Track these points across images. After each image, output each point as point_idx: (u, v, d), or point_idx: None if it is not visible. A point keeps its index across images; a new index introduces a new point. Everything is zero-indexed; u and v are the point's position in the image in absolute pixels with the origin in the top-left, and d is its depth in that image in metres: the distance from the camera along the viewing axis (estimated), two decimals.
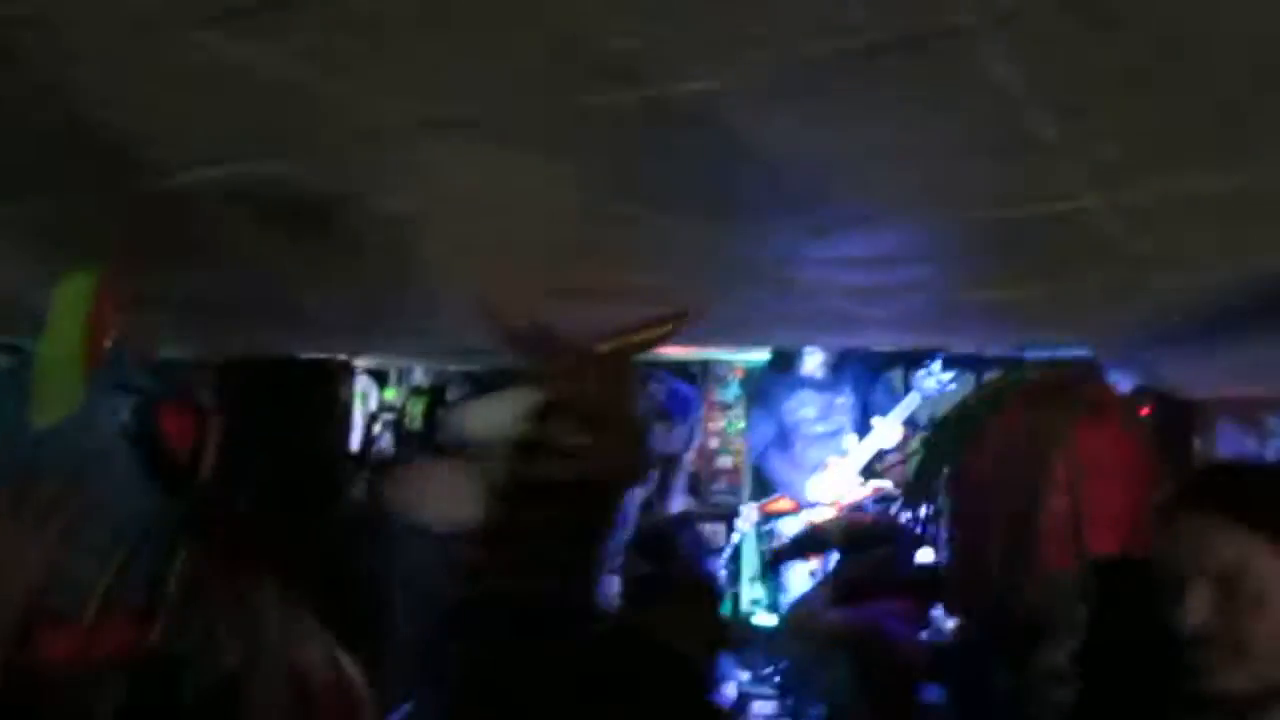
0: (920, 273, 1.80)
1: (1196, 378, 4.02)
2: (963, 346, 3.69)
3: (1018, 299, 2.04)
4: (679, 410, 3.15)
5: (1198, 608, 1.07)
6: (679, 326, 1.55)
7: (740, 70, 0.88)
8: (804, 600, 2.34)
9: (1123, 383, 4.38)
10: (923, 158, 1.09)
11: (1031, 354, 2.77)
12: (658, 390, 3.17)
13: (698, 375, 6.17)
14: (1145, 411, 4.60)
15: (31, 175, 1.27)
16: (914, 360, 4.17)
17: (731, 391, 5.65)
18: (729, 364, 5.53)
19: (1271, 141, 1.08)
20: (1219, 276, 1.76)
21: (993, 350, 3.27)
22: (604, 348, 1.37)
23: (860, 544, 2.36)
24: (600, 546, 1.14)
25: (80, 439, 1.65)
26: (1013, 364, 2.92)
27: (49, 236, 1.61)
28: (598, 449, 1.08)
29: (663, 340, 1.49)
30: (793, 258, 1.68)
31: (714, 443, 5.86)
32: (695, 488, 5.79)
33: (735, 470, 5.60)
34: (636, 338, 1.65)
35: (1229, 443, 5.08)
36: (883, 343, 3.61)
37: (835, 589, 2.26)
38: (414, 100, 0.99)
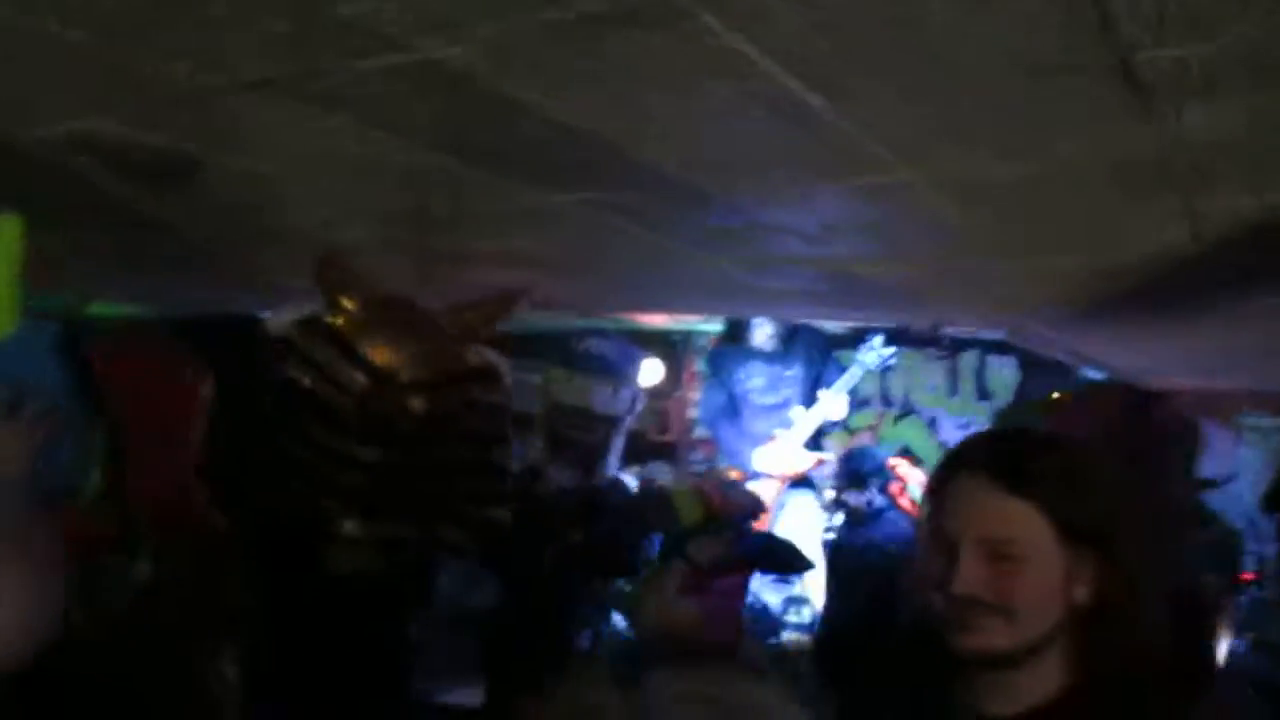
0: (797, 248, 1.85)
1: (1148, 368, 4.05)
2: (882, 322, 3.73)
3: (899, 275, 2.09)
4: (625, 371, 3.17)
5: (969, 570, 1.13)
6: (513, 304, 1.63)
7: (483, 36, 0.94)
8: (654, 582, 2.38)
9: (1095, 375, 4.43)
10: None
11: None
12: (605, 349, 3.20)
13: (679, 344, 6.22)
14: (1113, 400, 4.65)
15: None
16: (859, 335, 4.21)
17: (704, 362, 5.67)
18: (708, 334, 5.56)
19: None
20: (1082, 258, 1.80)
21: (916, 327, 3.31)
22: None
23: (715, 524, 2.41)
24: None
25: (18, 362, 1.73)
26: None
27: None
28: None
29: (500, 314, 1.57)
30: (657, 227, 1.73)
31: (691, 413, 5.92)
32: (673, 456, 5.85)
33: (711, 441, 5.64)
34: (474, 310, 1.73)
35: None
36: (794, 315, 3.65)
37: (686, 573, 2.30)
38: (203, 63, 1.05)
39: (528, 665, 2.53)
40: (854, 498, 3.66)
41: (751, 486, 4.36)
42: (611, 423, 3.10)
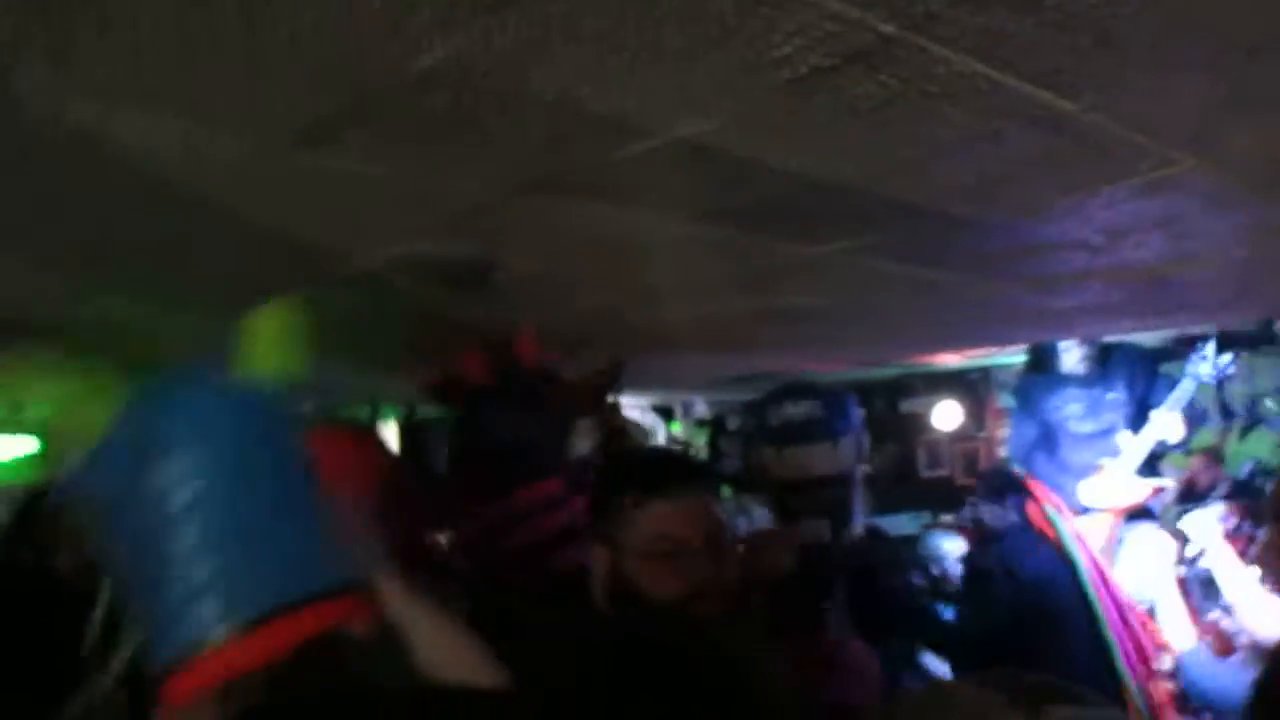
0: (1082, 261, 1.75)
1: None
2: (1203, 327, 3.37)
3: (1210, 272, 1.91)
4: (839, 427, 3.05)
5: None
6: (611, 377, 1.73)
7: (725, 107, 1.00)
8: None
9: None
10: None
11: None
12: (804, 409, 3.10)
13: (978, 382, 5.96)
14: None
15: None
16: (1187, 346, 3.81)
17: (1009, 396, 5.40)
18: (1009, 368, 5.30)
19: None
20: None
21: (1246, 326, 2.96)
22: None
23: None
24: None
25: None
26: None
27: None
28: None
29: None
30: (922, 262, 1.71)
31: (1001, 451, 5.64)
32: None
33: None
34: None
35: None
36: (1097, 333, 3.39)
37: None
38: (483, 177, 1.19)
39: None
40: (989, 514, 3.51)
41: (1082, 522, 4.04)
42: (842, 482, 2.98)
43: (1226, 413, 4.44)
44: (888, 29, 0.88)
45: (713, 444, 6.20)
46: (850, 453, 2.95)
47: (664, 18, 0.87)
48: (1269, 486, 4.18)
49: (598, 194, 1.27)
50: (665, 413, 6.30)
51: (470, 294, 1.72)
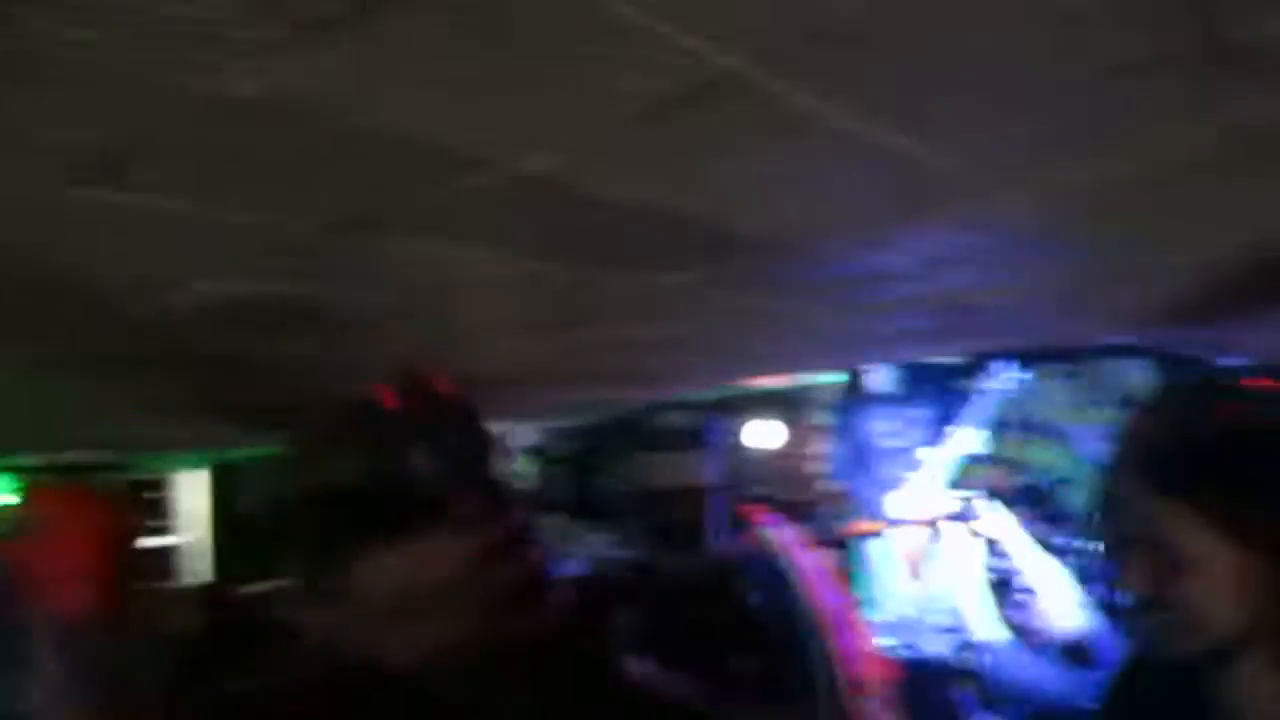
0: (907, 290, 1.81)
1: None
2: (1012, 347, 3.61)
3: (1019, 298, 2.02)
4: (710, 439, 3.09)
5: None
6: None
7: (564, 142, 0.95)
8: None
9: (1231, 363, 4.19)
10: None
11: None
12: (688, 421, 3.15)
13: (798, 403, 6.14)
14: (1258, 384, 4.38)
15: None
16: (984, 365, 4.07)
17: (826, 414, 5.59)
18: (825, 387, 5.49)
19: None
20: (1207, 247, 1.71)
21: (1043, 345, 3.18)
22: None
23: None
24: None
25: None
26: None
27: None
28: None
29: None
30: (757, 293, 1.72)
31: (818, 468, 5.82)
32: (809, 516, 5.74)
33: (842, 494, 5.54)
34: None
35: None
36: (920, 355, 3.57)
37: None
38: (297, 212, 1.09)
39: None
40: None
41: (892, 533, 4.24)
42: (707, 493, 3.02)
43: (1024, 425, 4.78)
44: (735, 63, 0.86)
45: (544, 472, 6.14)
46: (715, 466, 2.97)
47: (508, 48, 0.82)
48: (1062, 493, 4.53)
49: (429, 230, 1.20)
50: None
51: (284, 334, 1.60)
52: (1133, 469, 1.27)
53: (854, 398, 4.48)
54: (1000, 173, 1.19)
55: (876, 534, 4.36)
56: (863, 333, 2.17)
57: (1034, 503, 4.38)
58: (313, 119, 0.89)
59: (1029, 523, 3.63)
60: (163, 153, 0.93)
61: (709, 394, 5.24)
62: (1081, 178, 1.21)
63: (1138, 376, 4.55)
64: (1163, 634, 1.20)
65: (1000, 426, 4.67)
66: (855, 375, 4.43)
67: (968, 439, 4.09)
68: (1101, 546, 3.57)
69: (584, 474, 5.76)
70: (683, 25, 0.79)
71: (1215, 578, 1.09)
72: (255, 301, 1.42)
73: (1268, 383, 3.78)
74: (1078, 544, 4.02)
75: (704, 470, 2.90)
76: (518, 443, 6.17)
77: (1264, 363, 4.21)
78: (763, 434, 6.01)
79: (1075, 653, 3.27)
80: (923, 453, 4.18)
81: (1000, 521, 3.73)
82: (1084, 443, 4.60)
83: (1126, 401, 4.61)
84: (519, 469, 6.07)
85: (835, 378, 4.94)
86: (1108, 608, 3.28)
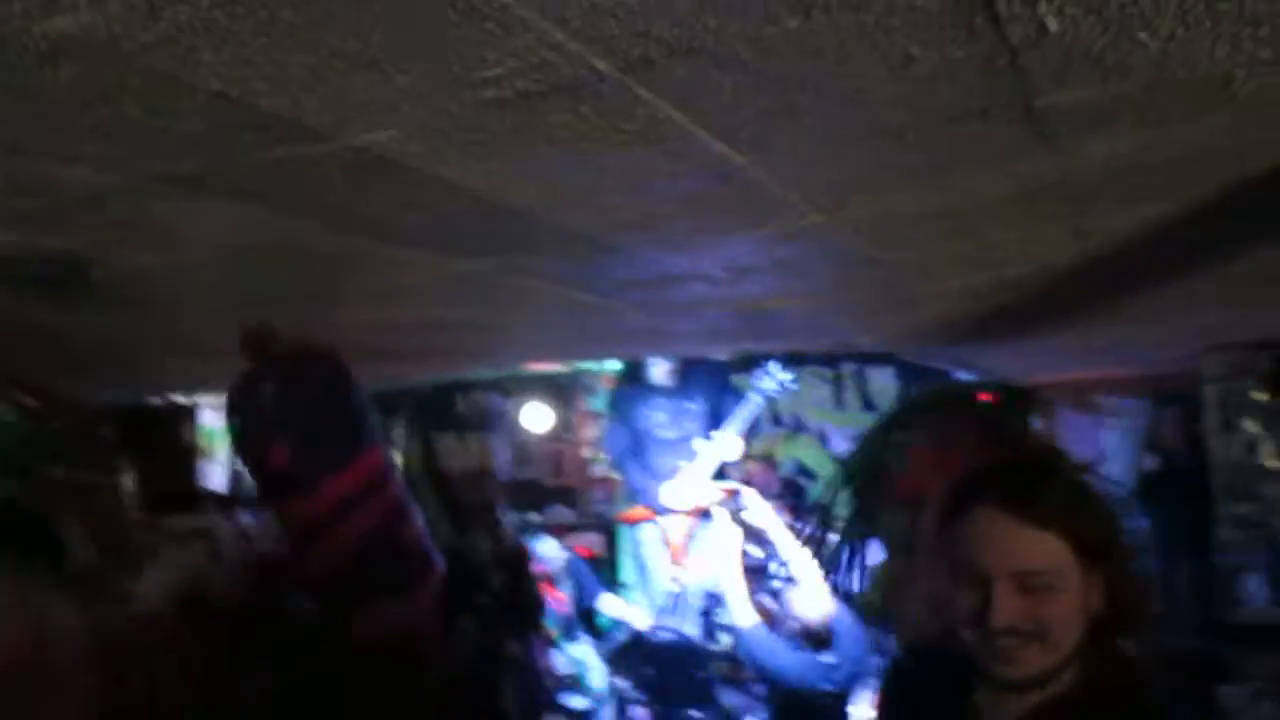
0: (704, 291, 1.88)
1: (1020, 366, 4.28)
2: (784, 348, 3.83)
3: (805, 307, 2.14)
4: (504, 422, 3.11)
5: (1006, 604, 1.16)
6: None
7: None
8: None
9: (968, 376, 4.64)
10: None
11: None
12: (489, 402, 3.15)
13: (568, 387, 6.17)
14: (988, 398, 4.89)
15: None
16: (754, 363, 4.29)
17: (601, 401, 5.65)
18: (597, 373, 5.54)
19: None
20: (978, 277, 1.89)
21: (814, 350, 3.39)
22: None
23: None
24: None
25: None
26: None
27: None
28: None
29: None
30: (568, 283, 1.73)
31: (587, 453, 5.88)
32: (572, 499, 5.79)
33: (609, 480, 5.61)
34: None
35: (1069, 425, 5.44)
36: (702, 352, 3.71)
37: None
38: (105, 164, 1.00)
39: None
40: None
41: (661, 521, 4.39)
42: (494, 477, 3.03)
43: (777, 421, 5.09)
44: (602, 66, 0.88)
45: None
46: (503, 449, 2.94)
47: (375, 23, 0.79)
48: (810, 486, 4.86)
49: (251, 196, 1.13)
50: None
51: (57, 294, 1.45)
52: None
53: (630, 387, 4.58)
54: (817, 198, 1.27)
55: (646, 521, 4.48)
56: (660, 329, 2.24)
57: (790, 496, 4.68)
58: (141, 66, 0.83)
59: (785, 514, 3.86)
60: None
61: (487, 374, 5.20)
62: (885, 210, 1.31)
63: (886, 382, 4.97)
64: (908, 630, 1.28)
65: (764, 423, 4.95)
66: (632, 365, 4.53)
67: (736, 433, 4.29)
68: (845, 540, 3.87)
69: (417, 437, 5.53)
70: (565, 26, 0.80)
71: (1068, 596, 1.18)
72: (27, 257, 1.29)
73: (990, 397, 4.22)
74: (826, 536, 4.33)
75: (495, 453, 2.89)
76: None
77: (989, 378, 4.71)
78: (536, 418, 6.02)
79: (817, 639, 3.51)
80: (695, 444, 4.34)
81: (762, 512, 3.94)
82: (837, 442, 4.96)
83: (874, 405, 5.03)
84: None
85: (611, 365, 5.04)
86: (848, 598, 3.53)
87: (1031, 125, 1.03)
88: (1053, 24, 0.82)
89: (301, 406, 1.80)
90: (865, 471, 3.73)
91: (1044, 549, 1.15)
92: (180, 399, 4.36)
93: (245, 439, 1.86)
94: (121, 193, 1.11)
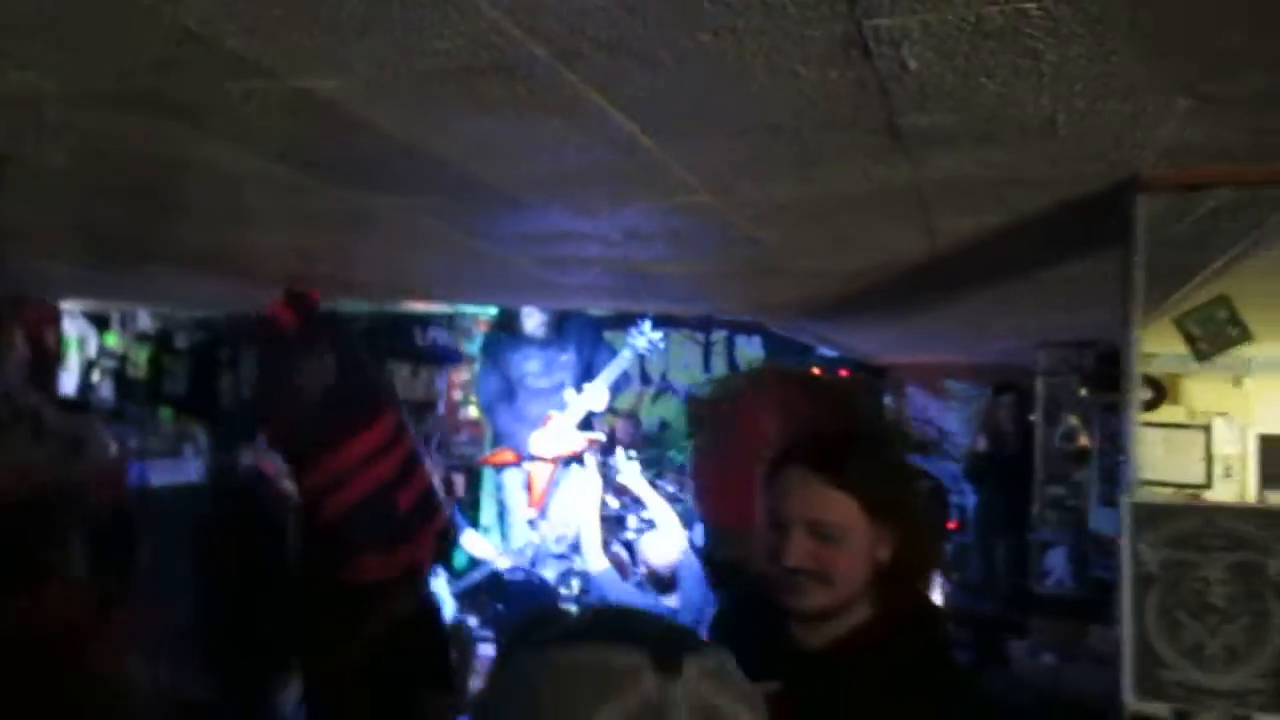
0: (597, 251, 2.03)
1: (875, 346, 4.60)
2: (661, 310, 4.00)
3: (687, 274, 2.32)
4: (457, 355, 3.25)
5: (798, 547, 1.36)
6: None
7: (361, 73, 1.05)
8: None
9: (829, 353, 4.94)
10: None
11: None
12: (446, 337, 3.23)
13: (445, 327, 6.21)
14: (845, 374, 5.22)
15: None
16: (628, 321, 4.46)
17: (476, 345, 5.71)
18: (473, 317, 5.59)
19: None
20: (841, 262, 2.10)
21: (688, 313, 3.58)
22: None
23: None
24: None
25: None
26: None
27: None
28: None
29: None
30: (469, 230, 1.85)
31: (458, 395, 5.95)
32: (441, 440, 5.86)
33: (477, 422, 5.70)
34: None
35: (916, 404, 5.87)
36: (585, 305, 3.86)
37: None
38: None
39: None
40: None
41: (527, 467, 4.55)
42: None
43: (645, 380, 5.31)
44: (540, 53, 1.01)
45: (155, 362, 5.71)
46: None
47: None
48: (673, 445, 5.11)
49: (189, 121, 1.22)
50: (100, 321, 5.61)
51: None
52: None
53: (505, 335, 4.70)
54: (708, 180, 1.44)
55: (512, 465, 4.62)
56: (550, 281, 2.38)
57: (650, 450, 4.91)
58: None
59: (644, 468, 4.07)
60: None
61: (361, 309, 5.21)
62: (765, 195, 1.49)
63: (753, 352, 5.25)
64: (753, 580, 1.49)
65: (634, 379, 5.15)
66: (507, 313, 4.64)
67: (596, 394, 4.47)
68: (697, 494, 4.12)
69: (203, 370, 5.46)
70: (513, 17, 0.93)
71: (853, 547, 1.39)
72: None
73: (846, 372, 4.55)
74: (680, 490, 4.59)
75: (439, 388, 3.00)
76: (135, 327, 5.70)
77: (848, 355, 5.03)
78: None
79: (662, 583, 3.75)
80: (566, 394, 4.50)
81: (626, 465, 4.14)
82: None
83: (737, 369, 5.31)
84: (131, 357, 5.63)
85: (485, 309, 5.13)
86: (694, 548, 3.78)
87: (891, 138, 1.23)
88: (912, 63, 1.00)
89: (335, 371, 1.99)
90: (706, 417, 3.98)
91: (837, 505, 1.38)
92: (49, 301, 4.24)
93: (275, 397, 2.04)
94: (58, 99, 1.18)
